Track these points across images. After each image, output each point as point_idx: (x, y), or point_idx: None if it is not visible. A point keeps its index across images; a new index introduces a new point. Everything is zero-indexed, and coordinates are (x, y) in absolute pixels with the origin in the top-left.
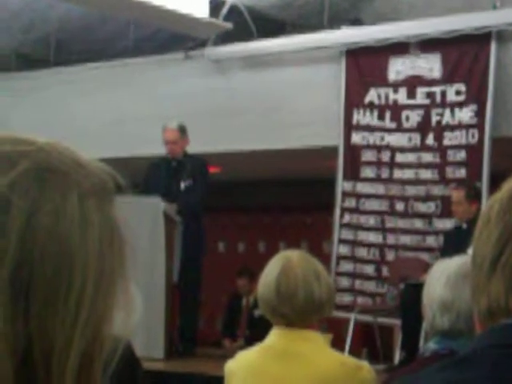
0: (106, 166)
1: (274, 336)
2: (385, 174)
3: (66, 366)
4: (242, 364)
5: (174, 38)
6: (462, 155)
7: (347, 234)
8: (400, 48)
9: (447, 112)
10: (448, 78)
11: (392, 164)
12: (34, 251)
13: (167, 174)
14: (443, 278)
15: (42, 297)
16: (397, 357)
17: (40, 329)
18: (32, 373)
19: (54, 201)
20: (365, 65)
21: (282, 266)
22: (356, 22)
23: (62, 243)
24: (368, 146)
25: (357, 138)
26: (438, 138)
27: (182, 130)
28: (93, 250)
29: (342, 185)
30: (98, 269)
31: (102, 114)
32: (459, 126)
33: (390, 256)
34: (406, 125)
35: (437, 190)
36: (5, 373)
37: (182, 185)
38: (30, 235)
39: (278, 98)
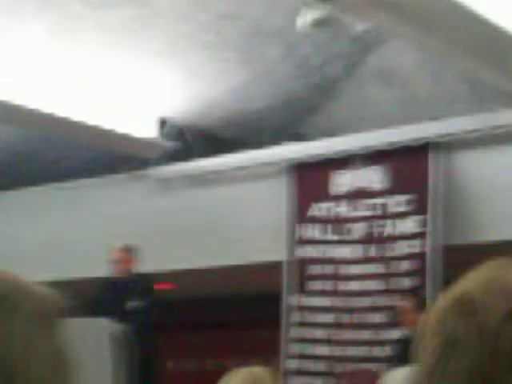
0: (50, 289)
1: None
2: (330, 286)
3: None
4: None
5: (120, 158)
6: (406, 265)
7: (295, 348)
8: (342, 161)
9: (390, 223)
10: (390, 189)
11: (336, 276)
12: None
13: (114, 295)
14: None
15: None
16: None
17: None
18: None
19: None
20: (308, 179)
21: (245, 381)
22: (296, 136)
23: (5, 367)
24: (313, 260)
25: (302, 251)
26: (383, 248)
27: (128, 250)
28: (36, 374)
29: (287, 299)
30: None
31: (48, 236)
32: (403, 237)
33: (338, 368)
34: (348, 237)
35: (382, 301)
36: None
37: (130, 305)
38: None
39: (225, 215)
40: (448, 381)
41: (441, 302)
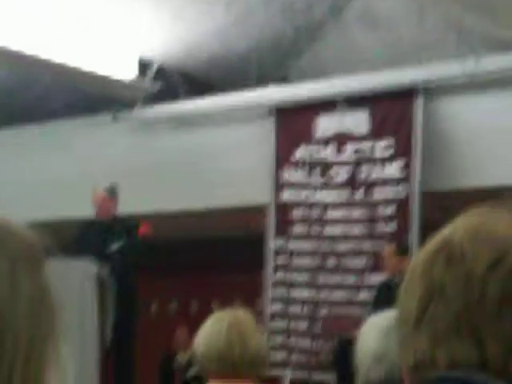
0: (35, 231)
1: None
2: (315, 230)
3: None
4: None
5: (104, 98)
6: (391, 210)
7: (280, 291)
8: (327, 105)
9: (375, 167)
10: (376, 133)
11: (322, 220)
12: None
13: (98, 236)
14: (376, 331)
15: None
16: None
17: None
18: None
19: None
20: (293, 122)
21: (229, 322)
22: (283, 79)
23: None
24: (298, 203)
25: (287, 195)
26: (367, 193)
27: (111, 192)
28: (23, 316)
29: (273, 242)
30: (30, 332)
31: (32, 177)
32: (388, 181)
33: (323, 312)
34: (335, 181)
35: (367, 245)
36: None
37: (113, 247)
38: None
39: (208, 158)
40: (434, 327)
41: (428, 248)
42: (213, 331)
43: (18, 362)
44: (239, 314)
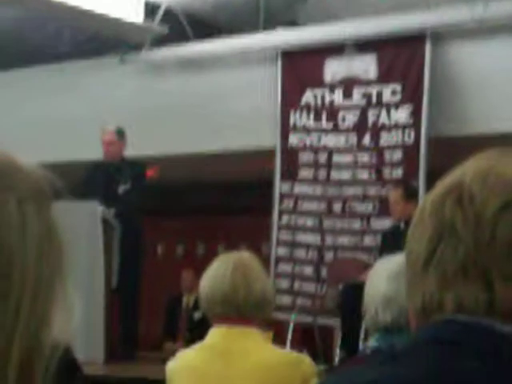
0: (43, 170)
1: (214, 335)
2: (322, 174)
3: (7, 369)
4: (183, 364)
5: (111, 40)
6: (398, 155)
7: (285, 236)
8: (336, 49)
9: (383, 112)
10: (384, 78)
11: (329, 165)
12: None
13: (105, 178)
14: (386, 275)
15: None
16: (337, 357)
17: None
18: None
19: None
20: (301, 66)
21: (234, 265)
22: (291, 23)
23: (0, 247)
24: (305, 147)
25: (294, 139)
26: (375, 138)
27: (120, 133)
28: (31, 254)
29: (279, 186)
30: (37, 272)
31: (39, 119)
32: (395, 126)
33: (329, 257)
34: (342, 125)
35: (374, 190)
36: None
37: (120, 189)
38: None
39: (216, 101)
40: (443, 268)
41: (437, 191)
42: (218, 274)
43: (25, 299)
44: (244, 257)
